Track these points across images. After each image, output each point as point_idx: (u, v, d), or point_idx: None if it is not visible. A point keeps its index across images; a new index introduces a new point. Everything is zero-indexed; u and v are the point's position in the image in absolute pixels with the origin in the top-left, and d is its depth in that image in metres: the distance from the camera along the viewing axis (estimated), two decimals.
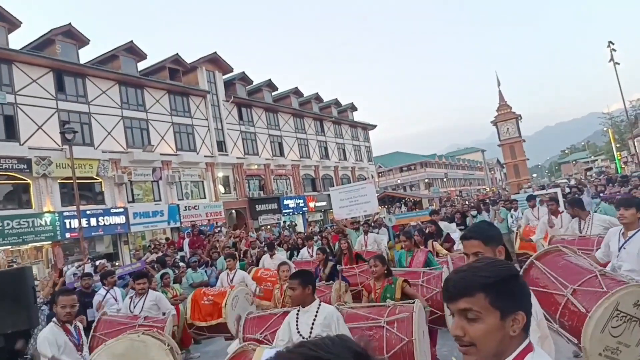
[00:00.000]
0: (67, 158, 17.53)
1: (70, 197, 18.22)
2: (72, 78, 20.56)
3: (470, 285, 1.30)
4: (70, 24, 21.15)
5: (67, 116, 19.75)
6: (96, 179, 20.51)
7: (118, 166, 21.37)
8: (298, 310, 3.55)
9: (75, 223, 17.45)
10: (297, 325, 3.48)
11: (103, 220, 19.92)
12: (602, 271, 3.37)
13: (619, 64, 32.95)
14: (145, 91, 23.75)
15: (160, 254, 13.06)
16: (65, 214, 18.61)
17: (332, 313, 3.46)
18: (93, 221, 19.47)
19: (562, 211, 7.31)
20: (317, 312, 3.45)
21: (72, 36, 21.34)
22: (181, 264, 10.33)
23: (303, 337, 3.40)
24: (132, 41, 23.71)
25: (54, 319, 4.14)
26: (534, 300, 2.15)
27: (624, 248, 3.81)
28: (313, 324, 3.40)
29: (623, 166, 45.11)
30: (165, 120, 24.46)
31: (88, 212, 19.22)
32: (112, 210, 20.50)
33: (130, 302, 6.05)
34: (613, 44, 33.33)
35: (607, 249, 4.08)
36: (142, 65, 25.15)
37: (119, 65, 22.84)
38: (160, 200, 23.30)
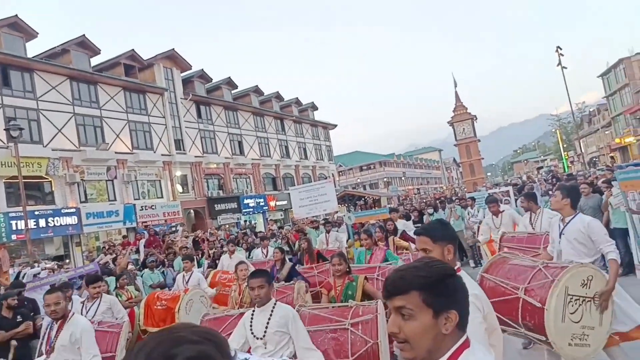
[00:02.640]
0: (12, 156, 16.66)
1: (17, 197, 17.33)
2: (19, 72, 19.54)
3: (405, 283, 1.35)
4: (16, 15, 20.11)
5: (13, 112, 18.77)
6: (46, 178, 19.60)
7: (69, 165, 20.51)
8: (253, 311, 3.52)
9: (22, 224, 16.61)
10: (251, 325, 3.45)
11: (53, 221, 19.07)
12: (544, 263, 3.51)
13: (566, 68, 34.59)
14: (99, 87, 22.91)
15: (114, 255, 12.68)
16: (11, 214, 17.69)
17: (288, 311, 3.44)
18: (42, 222, 18.60)
19: (503, 210, 7.54)
20: (272, 311, 3.42)
21: (19, 28, 20.30)
22: (130, 266, 10.00)
23: (257, 338, 3.37)
24: (84, 35, 22.81)
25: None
26: (482, 293, 2.23)
27: (563, 234, 3.96)
28: (268, 323, 3.37)
29: (570, 165, 47.42)
30: (120, 118, 23.67)
31: (36, 212, 18.35)
32: (63, 211, 19.66)
33: (82, 306, 5.81)
34: (561, 48, 34.95)
35: (552, 239, 4.26)
36: (95, 61, 24.28)
37: (70, 60, 21.91)
38: (115, 200, 22.55)
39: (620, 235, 7.82)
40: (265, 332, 3.36)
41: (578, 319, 3.18)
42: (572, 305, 3.17)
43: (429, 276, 1.35)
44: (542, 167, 59.67)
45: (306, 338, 3.35)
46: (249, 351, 3.46)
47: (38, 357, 4.04)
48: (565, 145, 54.60)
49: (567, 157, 50.07)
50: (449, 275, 1.38)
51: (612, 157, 38.82)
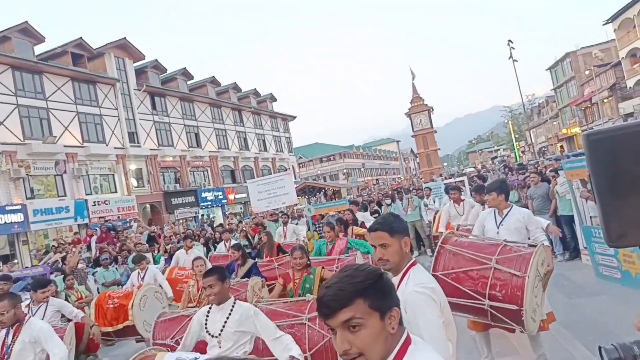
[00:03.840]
0: None
1: None
2: None
3: (347, 294, 1.30)
4: None
5: None
6: None
7: (14, 159, 19.44)
8: (210, 308, 3.41)
9: None
10: (206, 323, 3.34)
11: None
12: (505, 241, 3.64)
13: (517, 61, 35.84)
14: (45, 77, 21.77)
15: (64, 253, 12.14)
16: None
17: (249, 309, 3.35)
18: None
19: (464, 199, 7.67)
20: (231, 309, 3.32)
21: None
22: (80, 265, 9.59)
23: (212, 336, 3.27)
24: (27, 22, 21.60)
25: None
26: (438, 287, 2.22)
27: (502, 225, 4.26)
28: (226, 322, 3.27)
29: (521, 155, 49.27)
30: (69, 110, 22.61)
31: None
32: (8, 208, 18.64)
33: (28, 310, 5.50)
34: (512, 42, 36.14)
35: (481, 229, 4.49)
36: (40, 49, 23.08)
37: (12, 48, 20.69)
38: (65, 195, 21.60)
39: (566, 222, 8.17)
40: (222, 330, 3.26)
41: (537, 294, 3.33)
42: (536, 281, 3.30)
43: (367, 280, 1.33)
44: (495, 157, 61.78)
45: (273, 328, 3.30)
46: (204, 350, 3.36)
47: None
48: (517, 136, 56.66)
49: (518, 147, 51.99)
50: (381, 275, 1.38)
51: (561, 147, 40.69)
